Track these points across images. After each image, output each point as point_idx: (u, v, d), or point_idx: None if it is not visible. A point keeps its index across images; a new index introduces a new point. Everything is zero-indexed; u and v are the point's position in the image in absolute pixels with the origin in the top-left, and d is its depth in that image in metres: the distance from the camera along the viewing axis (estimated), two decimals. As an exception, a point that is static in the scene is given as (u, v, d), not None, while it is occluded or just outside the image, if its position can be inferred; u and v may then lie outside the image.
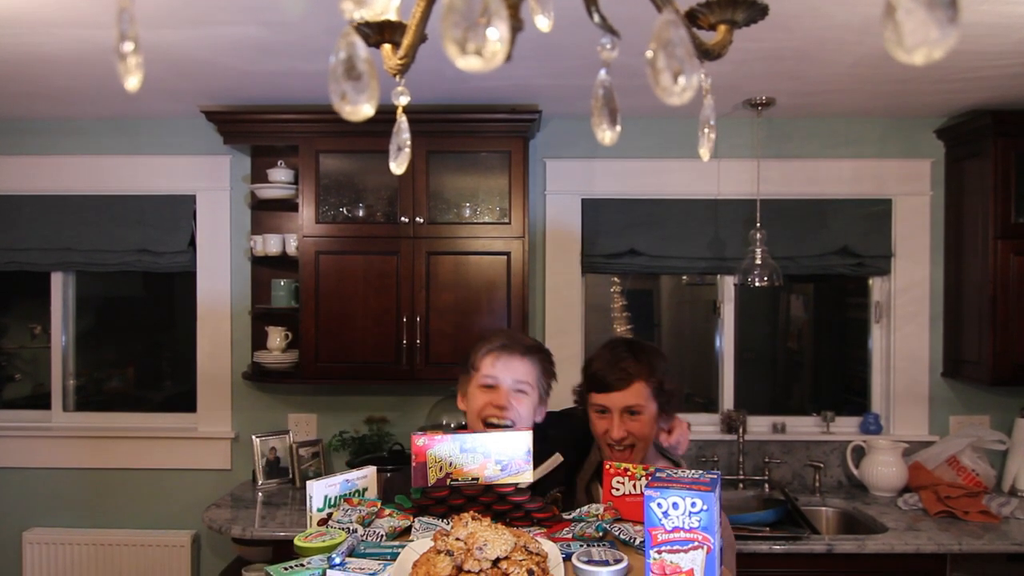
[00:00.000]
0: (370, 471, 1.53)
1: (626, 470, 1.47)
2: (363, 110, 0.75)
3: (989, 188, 3.05)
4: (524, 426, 1.71)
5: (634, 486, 1.46)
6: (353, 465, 3.07)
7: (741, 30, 0.94)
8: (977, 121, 3.10)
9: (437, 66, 2.53)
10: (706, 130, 1.00)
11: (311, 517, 1.40)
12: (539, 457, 1.70)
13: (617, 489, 1.47)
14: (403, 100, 1.06)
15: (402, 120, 1.08)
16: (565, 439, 1.86)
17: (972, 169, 3.19)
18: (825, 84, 2.84)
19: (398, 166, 1.09)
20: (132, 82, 0.76)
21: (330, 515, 1.40)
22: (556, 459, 1.77)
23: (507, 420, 1.71)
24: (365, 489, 1.50)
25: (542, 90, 2.92)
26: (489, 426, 1.70)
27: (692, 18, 0.91)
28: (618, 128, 0.86)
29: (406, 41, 0.97)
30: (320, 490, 1.41)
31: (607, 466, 1.49)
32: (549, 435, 1.81)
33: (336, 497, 1.44)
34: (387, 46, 1.04)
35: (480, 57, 0.59)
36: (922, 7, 0.53)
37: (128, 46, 0.74)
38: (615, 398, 1.71)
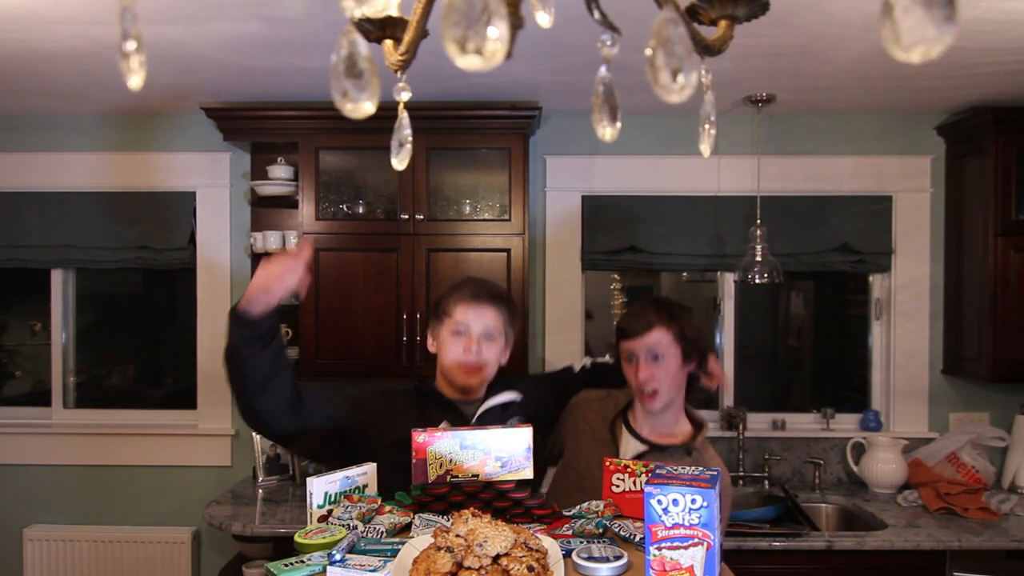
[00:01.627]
0: (370, 467, 1.53)
1: (626, 467, 1.47)
2: (364, 108, 0.75)
3: (990, 185, 3.05)
4: (491, 369, 1.89)
5: (634, 483, 1.46)
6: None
7: (741, 26, 0.94)
8: (978, 118, 3.09)
9: (437, 63, 2.53)
10: (707, 126, 1.00)
11: (311, 514, 1.40)
12: (496, 388, 1.95)
13: (617, 486, 1.47)
14: (404, 96, 1.05)
15: (403, 116, 1.08)
16: (531, 386, 2.05)
17: (972, 166, 3.18)
18: (826, 80, 2.84)
19: (400, 162, 1.09)
20: (135, 80, 0.76)
21: (330, 511, 1.40)
22: (510, 394, 1.94)
23: (478, 359, 1.86)
24: (365, 486, 1.50)
25: (542, 86, 2.92)
26: (463, 365, 1.86)
27: (693, 14, 0.90)
28: (618, 124, 0.86)
29: (407, 37, 0.97)
30: (320, 487, 1.41)
31: (607, 463, 1.49)
32: (512, 379, 2.01)
33: (336, 494, 1.44)
34: (388, 42, 1.04)
35: (480, 56, 0.58)
36: (919, 5, 0.53)
37: (131, 45, 0.74)
38: (638, 344, 1.86)
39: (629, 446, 1.94)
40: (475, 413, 1.90)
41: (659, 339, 1.86)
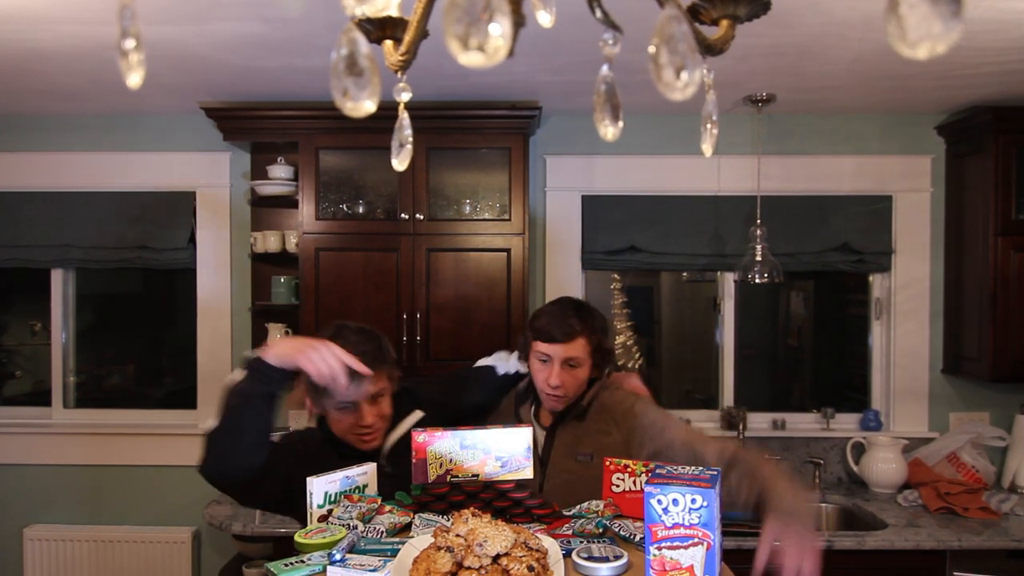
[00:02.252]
0: (370, 467, 1.53)
1: (626, 467, 1.47)
2: (365, 106, 0.74)
3: (990, 184, 3.04)
4: (384, 422, 1.76)
5: (634, 482, 1.46)
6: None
7: (742, 26, 0.94)
8: (978, 117, 3.09)
9: (437, 62, 2.53)
10: (708, 126, 1.00)
11: (311, 513, 1.40)
12: (401, 407, 1.86)
13: (617, 485, 1.47)
14: (405, 96, 1.05)
15: (404, 116, 1.08)
16: (430, 399, 1.96)
17: (973, 165, 3.18)
18: (826, 80, 2.84)
19: (400, 162, 1.09)
20: (134, 79, 0.76)
21: (331, 511, 1.40)
22: (415, 415, 1.88)
23: (376, 427, 1.74)
24: (365, 486, 1.50)
25: (542, 86, 2.92)
26: (360, 435, 1.73)
27: (694, 13, 0.90)
28: (620, 124, 0.86)
29: (408, 37, 0.97)
30: (321, 487, 1.41)
31: (607, 462, 1.50)
32: (416, 394, 1.93)
33: (337, 493, 1.44)
34: (388, 42, 1.04)
35: (482, 53, 0.58)
36: (925, 1, 0.53)
37: (130, 43, 0.74)
38: (558, 349, 1.82)
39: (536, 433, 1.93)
40: (383, 448, 1.78)
41: (579, 348, 1.83)
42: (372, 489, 1.52)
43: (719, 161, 3.34)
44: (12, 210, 3.41)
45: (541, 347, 1.86)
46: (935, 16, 0.52)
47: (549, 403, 1.89)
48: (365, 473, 1.51)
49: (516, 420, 1.95)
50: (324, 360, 1.52)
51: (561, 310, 1.88)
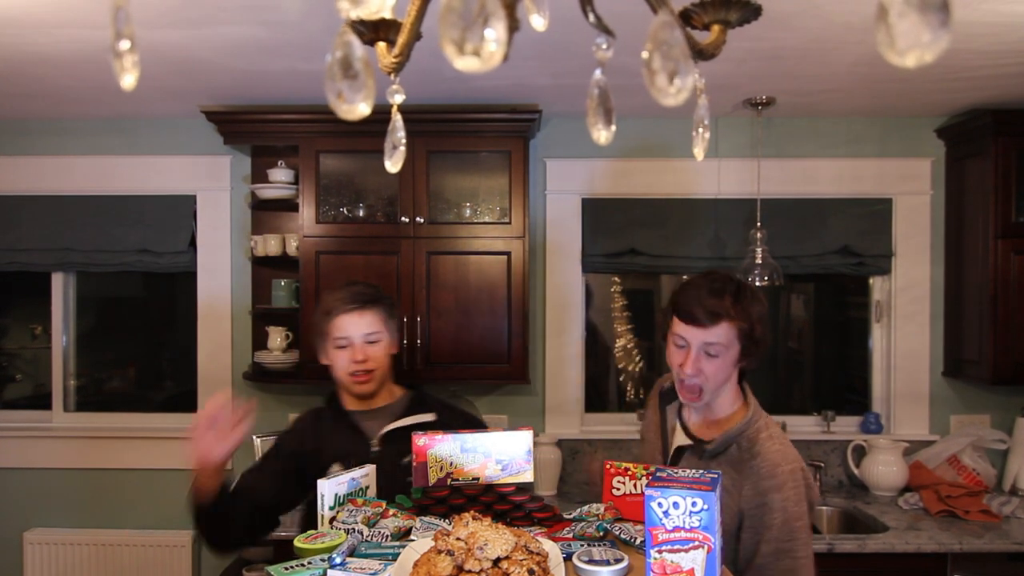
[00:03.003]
0: (370, 468, 1.53)
1: (626, 470, 1.47)
2: (359, 109, 0.75)
3: (990, 187, 3.05)
4: (380, 370, 1.96)
5: (634, 485, 1.46)
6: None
7: (741, 29, 0.94)
8: (977, 120, 3.09)
9: (437, 66, 2.54)
10: (700, 130, 1.00)
11: (323, 516, 1.40)
12: (414, 406, 2.01)
13: (618, 489, 1.47)
14: (398, 98, 1.05)
15: (397, 119, 1.08)
16: (447, 412, 2.05)
17: (972, 168, 3.18)
18: (825, 83, 2.84)
19: (393, 164, 1.09)
20: (128, 80, 0.76)
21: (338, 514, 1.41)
22: (428, 416, 1.97)
23: (367, 367, 1.92)
24: (367, 487, 1.51)
25: (542, 90, 2.92)
26: (354, 375, 1.92)
27: (686, 18, 0.91)
28: (613, 127, 0.86)
29: (401, 39, 0.97)
30: (331, 488, 1.42)
31: (607, 466, 1.49)
32: (428, 397, 2.08)
33: (344, 495, 1.44)
34: (382, 44, 1.04)
35: (478, 58, 0.59)
36: (914, 10, 0.53)
37: (124, 44, 0.74)
38: (697, 333, 1.60)
39: (676, 438, 1.75)
40: (381, 428, 1.96)
41: (723, 334, 1.59)
42: (372, 492, 1.52)
43: (719, 164, 3.34)
44: (13, 213, 3.41)
45: (679, 328, 1.63)
46: (924, 25, 0.53)
47: (682, 393, 1.67)
48: (367, 474, 1.51)
49: (662, 419, 1.80)
50: (198, 445, 1.74)
51: (710, 287, 1.61)
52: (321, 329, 1.98)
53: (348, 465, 1.69)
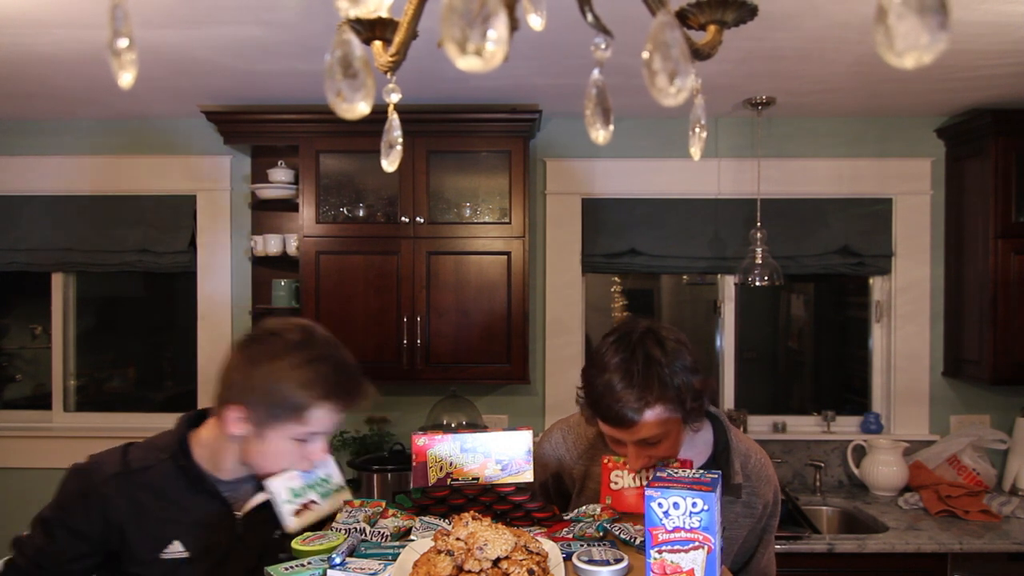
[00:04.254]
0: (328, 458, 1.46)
1: (624, 463, 1.48)
2: (359, 108, 0.75)
3: (989, 187, 3.05)
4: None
5: (633, 479, 1.46)
6: (354, 465, 3.07)
7: (740, 29, 0.94)
8: (977, 120, 3.09)
9: (437, 66, 2.54)
10: (697, 129, 1.00)
11: (282, 512, 1.37)
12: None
13: (616, 483, 1.47)
14: (394, 98, 1.05)
15: (393, 118, 1.08)
16: None
17: (972, 168, 3.19)
18: (825, 83, 2.84)
19: (390, 164, 1.09)
20: (126, 78, 0.76)
21: (305, 505, 1.38)
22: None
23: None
24: (329, 477, 1.45)
25: (542, 90, 2.92)
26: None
27: (682, 18, 0.91)
28: (611, 127, 0.86)
29: (397, 38, 0.97)
30: (282, 484, 1.38)
31: (605, 460, 1.49)
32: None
33: (302, 486, 1.40)
34: (378, 43, 1.04)
35: (480, 57, 0.59)
36: (913, 12, 0.53)
37: (122, 42, 0.74)
38: (628, 434, 1.42)
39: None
40: (246, 496, 1.46)
41: (657, 420, 1.40)
42: (336, 479, 1.45)
43: (719, 164, 3.34)
44: (13, 213, 3.41)
45: (606, 429, 1.46)
46: (922, 27, 0.53)
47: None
48: (327, 463, 1.46)
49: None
50: None
51: (623, 380, 1.39)
52: (285, 409, 1.34)
53: (194, 544, 1.38)
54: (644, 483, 1.44)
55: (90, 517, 1.41)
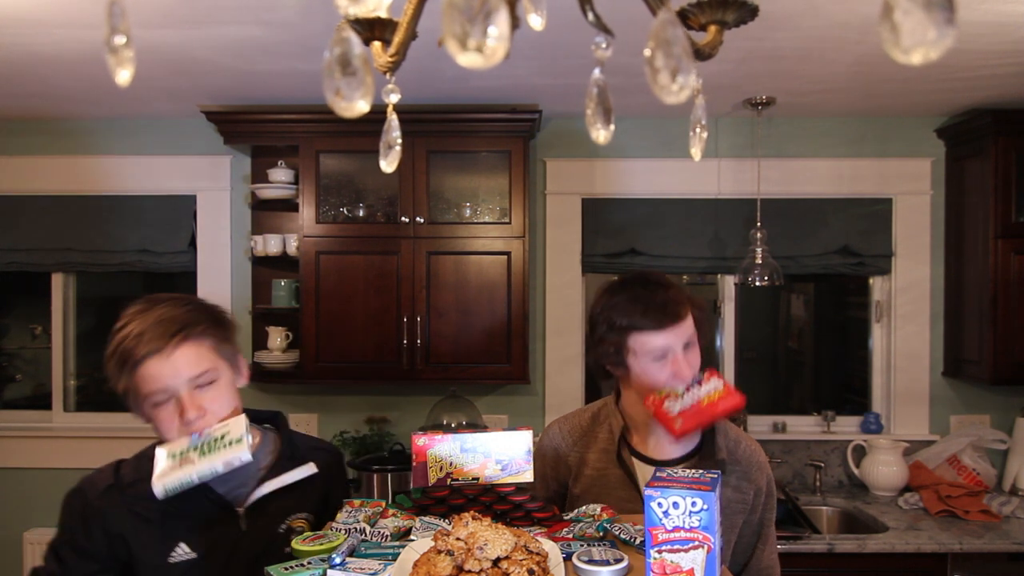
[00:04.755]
0: (239, 419, 1.36)
1: (666, 395, 1.53)
2: (358, 106, 0.74)
3: (989, 187, 3.05)
4: (220, 413, 1.39)
5: (682, 398, 1.52)
6: (354, 465, 3.07)
7: (740, 29, 0.94)
8: (977, 120, 3.10)
9: (437, 66, 2.54)
10: (697, 130, 1.00)
11: (161, 472, 1.31)
12: (284, 459, 1.49)
13: (671, 409, 1.51)
14: (393, 98, 1.05)
15: (392, 118, 1.08)
16: (330, 458, 1.62)
17: (972, 168, 3.19)
18: (825, 83, 2.84)
19: (389, 164, 1.09)
20: (123, 75, 0.76)
21: (180, 464, 1.33)
22: (310, 468, 1.50)
23: (207, 422, 1.38)
24: (226, 434, 1.33)
25: (542, 89, 2.92)
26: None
27: (683, 18, 0.91)
28: (612, 127, 0.86)
29: (397, 38, 0.97)
30: (163, 450, 1.36)
31: (649, 399, 1.53)
32: (296, 441, 1.57)
33: (184, 450, 1.34)
34: (377, 44, 1.04)
35: (480, 54, 0.59)
36: (919, 8, 0.53)
37: (119, 39, 0.74)
38: (675, 333, 1.52)
39: (645, 473, 1.62)
40: (247, 492, 1.45)
41: (690, 318, 1.56)
42: (234, 434, 1.33)
43: (719, 164, 3.34)
44: (13, 213, 3.41)
45: (654, 340, 1.52)
46: (929, 23, 0.53)
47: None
48: (225, 424, 1.36)
49: (625, 470, 1.63)
50: None
51: (650, 290, 1.54)
52: (124, 386, 1.40)
53: (200, 543, 1.39)
54: (693, 396, 1.52)
55: (92, 535, 1.41)
